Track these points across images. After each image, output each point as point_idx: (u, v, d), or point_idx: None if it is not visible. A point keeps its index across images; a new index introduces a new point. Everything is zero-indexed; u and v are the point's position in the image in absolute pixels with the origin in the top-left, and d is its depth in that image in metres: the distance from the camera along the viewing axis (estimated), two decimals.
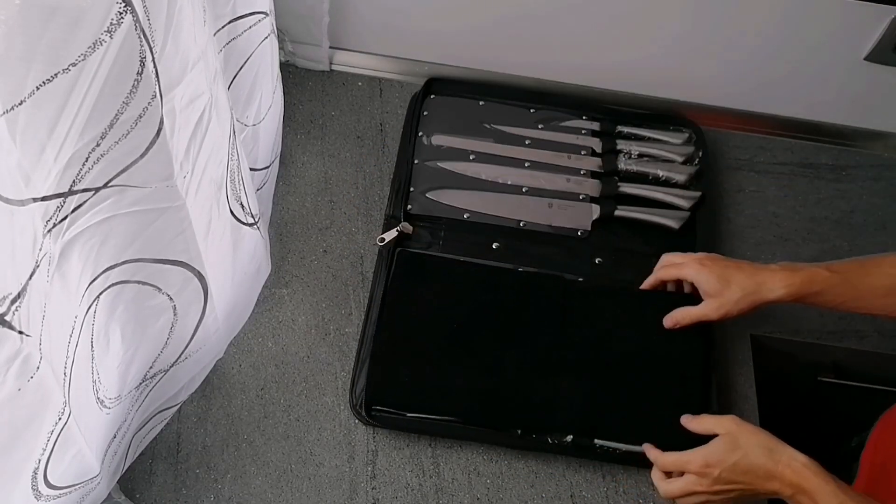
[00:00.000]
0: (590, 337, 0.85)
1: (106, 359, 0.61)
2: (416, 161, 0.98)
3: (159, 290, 0.63)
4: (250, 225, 0.76)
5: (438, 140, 1.01)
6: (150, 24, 0.45)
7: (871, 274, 0.74)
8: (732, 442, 0.70)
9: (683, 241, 0.95)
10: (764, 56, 0.99)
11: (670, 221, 0.95)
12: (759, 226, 1.00)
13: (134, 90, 0.45)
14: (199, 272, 0.66)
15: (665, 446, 0.76)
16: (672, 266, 0.84)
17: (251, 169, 0.83)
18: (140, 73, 0.45)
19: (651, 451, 0.77)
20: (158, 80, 0.48)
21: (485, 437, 0.81)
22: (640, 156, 1.01)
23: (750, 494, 0.71)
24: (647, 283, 0.87)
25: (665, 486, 0.75)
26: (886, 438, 0.80)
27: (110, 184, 0.50)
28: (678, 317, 0.83)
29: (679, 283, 0.87)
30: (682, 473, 0.73)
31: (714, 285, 0.78)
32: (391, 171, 0.99)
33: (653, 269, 0.92)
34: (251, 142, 0.81)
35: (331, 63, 1.07)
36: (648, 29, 0.98)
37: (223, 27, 0.67)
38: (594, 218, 0.95)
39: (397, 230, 0.91)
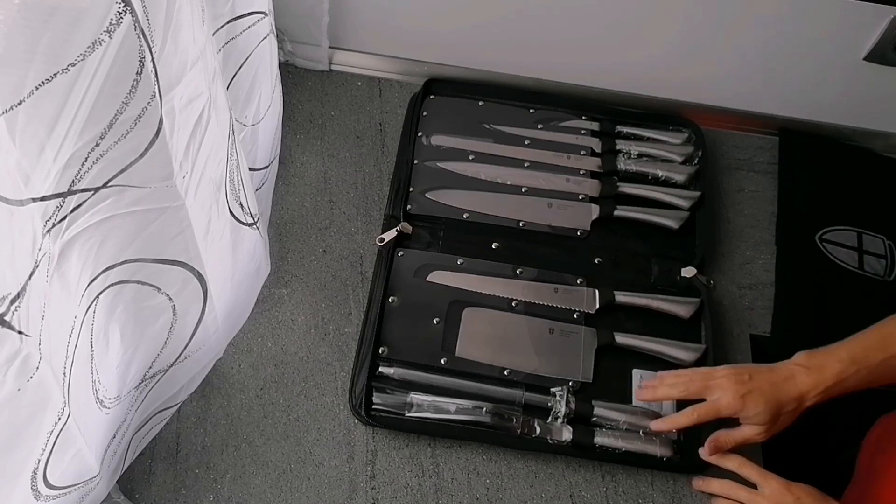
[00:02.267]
0: None
1: (105, 359, 0.61)
2: (415, 161, 0.98)
3: (159, 290, 0.63)
4: (249, 225, 0.76)
5: (438, 140, 1.01)
6: (149, 23, 0.45)
7: (894, 355, 0.71)
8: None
9: (683, 241, 0.95)
10: (763, 56, 0.99)
11: (669, 221, 0.95)
12: (758, 226, 1.00)
13: (133, 90, 0.45)
14: (198, 272, 0.66)
15: None
16: (711, 408, 0.74)
17: (250, 169, 0.83)
18: (139, 73, 0.45)
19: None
20: (158, 80, 0.48)
21: (484, 437, 0.81)
22: (640, 156, 1.01)
23: None
24: (679, 423, 0.77)
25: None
26: (883, 442, 0.80)
27: (110, 184, 0.49)
28: (721, 441, 0.76)
29: None
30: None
31: (765, 418, 0.72)
32: (390, 171, 0.99)
33: (651, 268, 0.92)
34: (250, 141, 0.81)
35: (330, 63, 1.07)
36: (648, 29, 0.98)
37: (222, 27, 0.67)
38: (593, 218, 0.95)
39: (397, 230, 0.91)
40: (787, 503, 0.70)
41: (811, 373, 0.72)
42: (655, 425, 0.79)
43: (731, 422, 0.76)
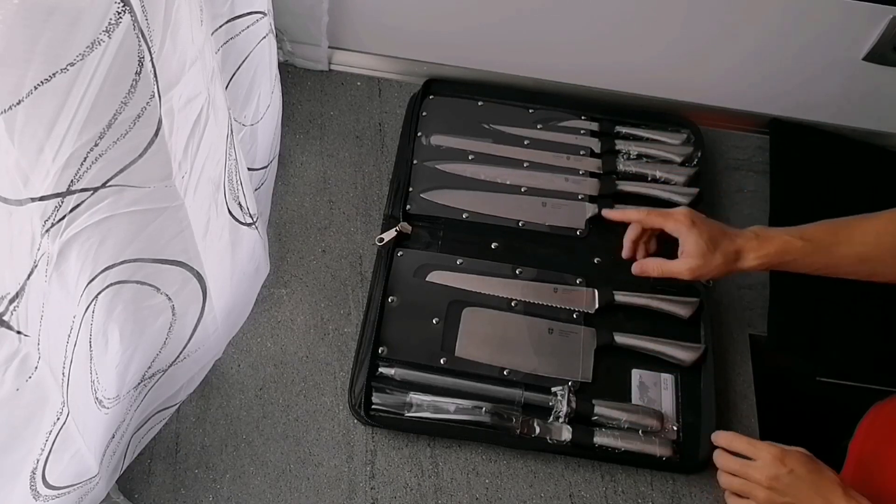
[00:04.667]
0: None
1: (104, 359, 0.61)
2: (414, 161, 0.98)
3: (158, 289, 0.63)
4: (249, 225, 0.76)
5: (437, 140, 1.01)
6: (148, 23, 0.45)
7: (842, 242, 0.73)
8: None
9: None
10: (763, 56, 0.99)
11: None
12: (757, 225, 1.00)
13: (132, 90, 0.45)
14: (197, 272, 0.66)
15: None
16: (659, 215, 0.80)
17: (249, 169, 0.83)
18: (138, 73, 0.45)
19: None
20: (157, 80, 0.48)
21: (484, 437, 0.81)
22: (639, 156, 1.01)
23: None
24: (619, 216, 0.84)
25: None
26: (875, 429, 0.80)
27: (109, 183, 0.49)
28: (648, 267, 0.81)
29: (650, 237, 0.84)
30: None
31: (701, 247, 0.75)
32: (390, 171, 0.99)
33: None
34: (249, 141, 0.81)
35: (330, 63, 1.07)
36: (647, 29, 0.98)
37: (221, 26, 0.67)
38: (588, 216, 0.95)
39: (396, 230, 0.91)
40: (779, 474, 0.69)
41: (758, 238, 0.76)
42: (607, 213, 0.85)
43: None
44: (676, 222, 0.77)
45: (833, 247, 0.74)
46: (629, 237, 0.84)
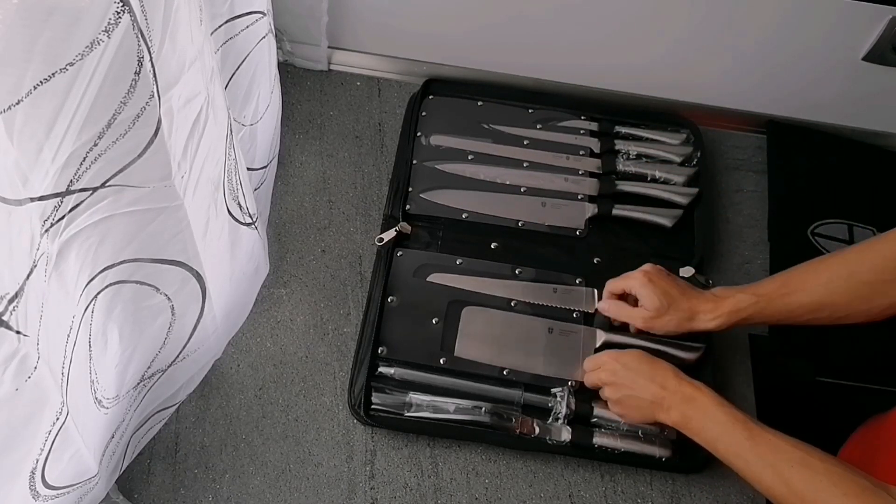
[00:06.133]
0: None
1: (104, 359, 0.61)
2: (414, 161, 0.98)
3: (157, 289, 0.63)
4: (248, 224, 0.76)
5: (437, 140, 1.01)
6: (147, 23, 0.45)
7: (794, 292, 0.75)
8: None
9: (682, 240, 0.95)
10: (762, 56, 0.99)
11: (664, 220, 0.95)
12: (757, 225, 1.00)
13: (132, 90, 0.45)
14: (197, 272, 0.66)
15: None
16: (620, 278, 0.85)
17: (249, 168, 0.83)
18: (138, 73, 0.45)
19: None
20: (156, 80, 0.48)
21: (483, 437, 0.81)
22: (639, 156, 1.01)
23: (636, 397, 0.77)
24: (603, 301, 0.88)
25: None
26: (867, 439, 0.81)
27: (108, 183, 0.49)
28: (610, 311, 0.86)
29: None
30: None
31: (655, 303, 0.80)
32: (389, 171, 0.99)
33: None
34: (248, 141, 0.81)
35: (329, 63, 1.07)
36: (647, 29, 0.98)
37: (220, 26, 0.67)
38: (588, 216, 0.95)
39: (396, 230, 0.91)
40: (616, 369, 0.78)
41: (715, 299, 0.79)
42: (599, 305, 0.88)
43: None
44: (633, 280, 0.82)
45: (786, 297, 0.76)
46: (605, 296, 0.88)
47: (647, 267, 0.83)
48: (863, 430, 0.83)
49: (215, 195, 0.65)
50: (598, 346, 0.86)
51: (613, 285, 0.86)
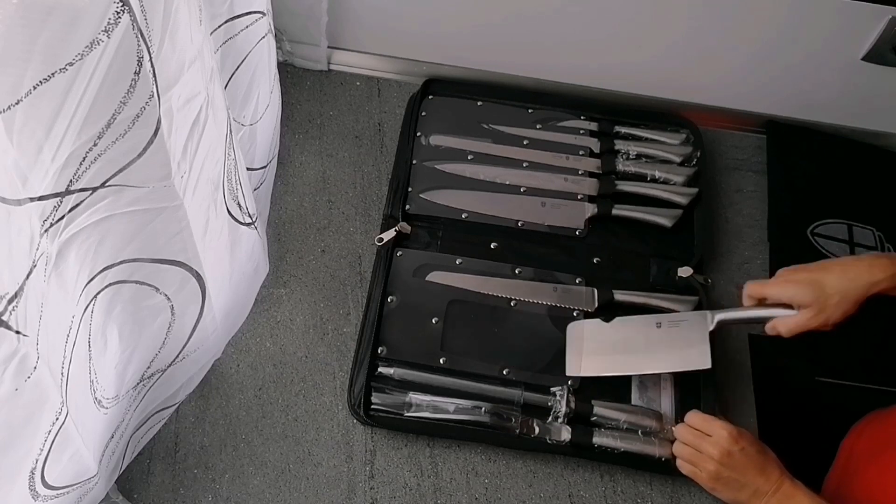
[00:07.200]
0: None
1: (103, 359, 0.61)
2: (414, 161, 0.98)
3: (157, 289, 0.63)
4: (248, 224, 0.76)
5: (437, 140, 1.01)
6: (147, 23, 0.45)
7: None
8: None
9: (682, 240, 0.95)
10: (762, 56, 0.99)
11: (663, 220, 0.95)
12: (757, 225, 1.00)
13: (131, 90, 0.45)
14: (196, 272, 0.66)
15: None
16: (755, 287, 0.78)
17: (248, 168, 0.83)
18: (137, 73, 0.45)
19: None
20: (156, 80, 0.48)
21: (483, 437, 0.81)
22: (638, 156, 1.01)
23: (738, 482, 0.74)
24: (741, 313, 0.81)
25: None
26: (868, 431, 0.81)
27: (108, 183, 0.49)
28: (779, 327, 0.77)
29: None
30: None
31: (806, 295, 0.73)
32: (389, 171, 0.99)
33: (650, 268, 0.93)
34: (248, 141, 0.81)
35: (329, 63, 1.07)
36: (647, 29, 0.98)
37: (220, 26, 0.67)
38: (588, 216, 0.95)
39: (395, 230, 0.91)
40: (732, 451, 0.74)
41: (878, 258, 0.73)
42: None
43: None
44: (771, 288, 0.76)
45: None
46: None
47: (780, 272, 0.76)
48: (866, 423, 0.82)
49: (215, 195, 0.65)
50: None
51: (748, 301, 0.79)
